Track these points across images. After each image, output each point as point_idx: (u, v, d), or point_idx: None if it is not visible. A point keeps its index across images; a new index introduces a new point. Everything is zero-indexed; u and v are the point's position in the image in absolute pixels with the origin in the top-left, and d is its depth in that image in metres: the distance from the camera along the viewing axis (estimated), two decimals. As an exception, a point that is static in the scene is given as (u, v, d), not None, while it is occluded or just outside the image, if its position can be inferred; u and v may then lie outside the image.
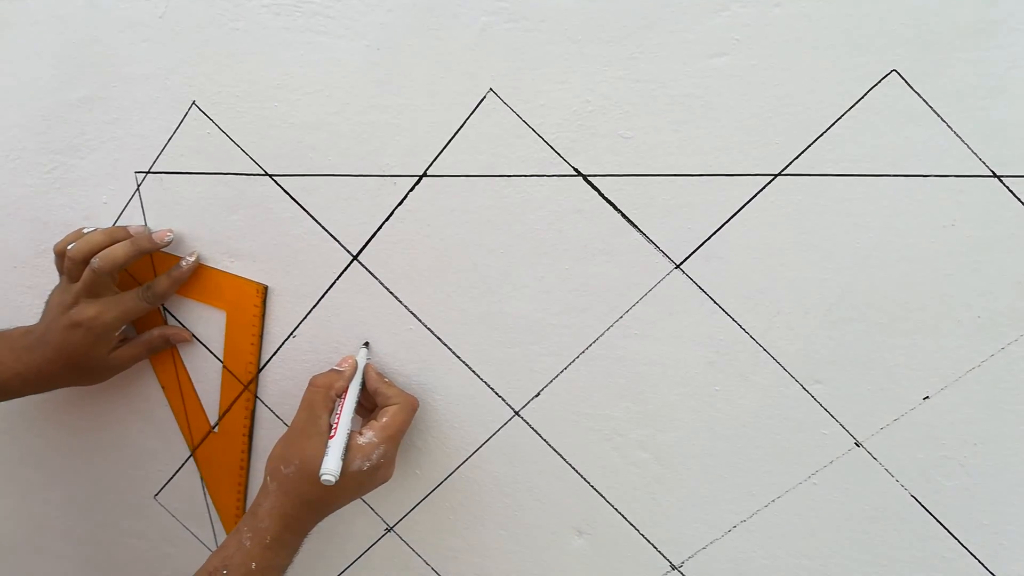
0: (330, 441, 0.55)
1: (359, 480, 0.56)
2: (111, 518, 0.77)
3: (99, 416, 0.73)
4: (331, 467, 0.53)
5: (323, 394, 0.57)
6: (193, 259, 0.64)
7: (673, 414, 0.57)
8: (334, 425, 0.56)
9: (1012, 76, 0.45)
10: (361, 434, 0.56)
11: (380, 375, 0.61)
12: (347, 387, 0.58)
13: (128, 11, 0.59)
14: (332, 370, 0.59)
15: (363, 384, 0.60)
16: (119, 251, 0.62)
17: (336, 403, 0.58)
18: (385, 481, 0.58)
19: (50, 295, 0.64)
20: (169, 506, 0.74)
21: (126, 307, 0.63)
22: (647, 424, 0.58)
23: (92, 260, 0.61)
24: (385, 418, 0.57)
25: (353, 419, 0.57)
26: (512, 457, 0.62)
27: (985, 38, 0.45)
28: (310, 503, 0.55)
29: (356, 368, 0.59)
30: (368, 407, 0.62)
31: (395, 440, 0.57)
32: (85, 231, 0.63)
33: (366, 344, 0.62)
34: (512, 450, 0.62)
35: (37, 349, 0.63)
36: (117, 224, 0.65)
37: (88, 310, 0.62)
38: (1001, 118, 0.46)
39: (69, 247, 0.62)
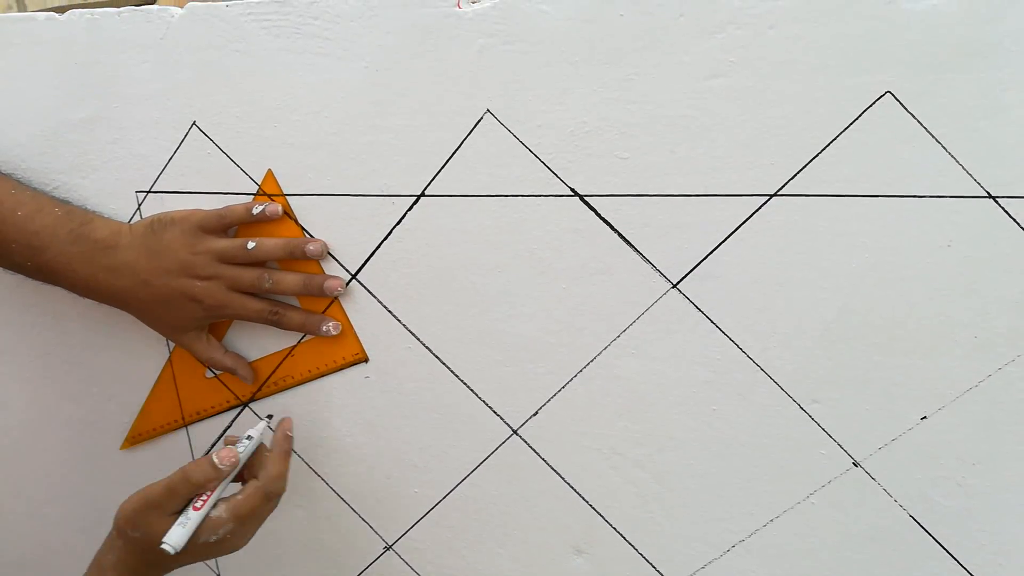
0: (183, 516, 0.54)
1: (203, 551, 0.56)
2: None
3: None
4: (174, 539, 0.53)
5: (190, 489, 0.56)
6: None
7: (671, 433, 0.57)
8: (194, 507, 0.55)
9: (1008, 97, 0.45)
10: (215, 506, 0.56)
11: (281, 449, 0.60)
12: (218, 486, 0.57)
13: (129, 32, 0.60)
14: (212, 464, 0.56)
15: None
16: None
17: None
18: (235, 550, 0.58)
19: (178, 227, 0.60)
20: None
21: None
22: (645, 443, 0.58)
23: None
24: (240, 496, 0.56)
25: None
26: (510, 476, 0.62)
27: (980, 59, 0.45)
28: (153, 565, 0.56)
29: (237, 466, 0.57)
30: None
31: (242, 519, 0.56)
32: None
33: (269, 416, 0.63)
34: (510, 469, 0.62)
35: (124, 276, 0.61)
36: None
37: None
38: (997, 139, 0.46)
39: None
